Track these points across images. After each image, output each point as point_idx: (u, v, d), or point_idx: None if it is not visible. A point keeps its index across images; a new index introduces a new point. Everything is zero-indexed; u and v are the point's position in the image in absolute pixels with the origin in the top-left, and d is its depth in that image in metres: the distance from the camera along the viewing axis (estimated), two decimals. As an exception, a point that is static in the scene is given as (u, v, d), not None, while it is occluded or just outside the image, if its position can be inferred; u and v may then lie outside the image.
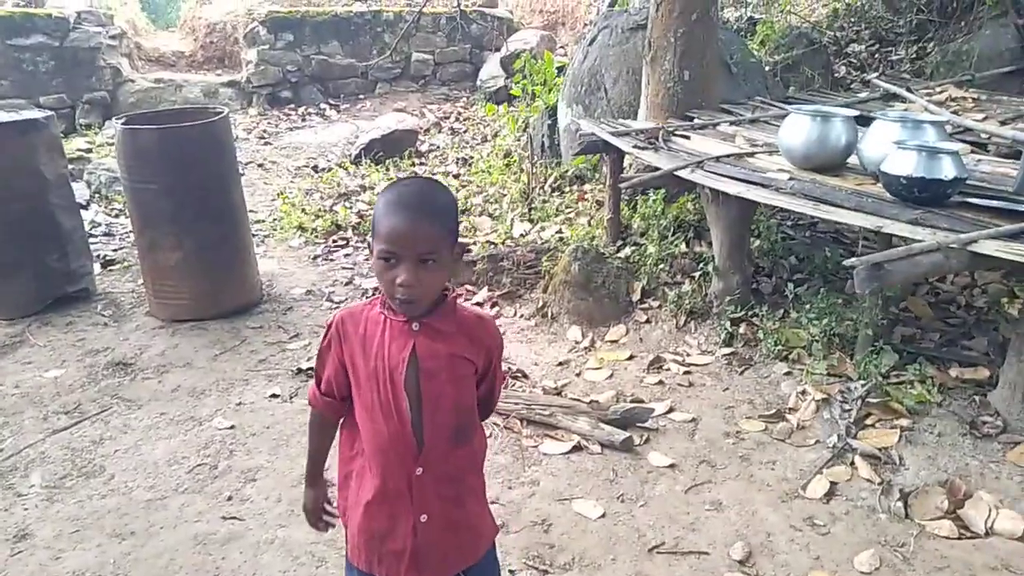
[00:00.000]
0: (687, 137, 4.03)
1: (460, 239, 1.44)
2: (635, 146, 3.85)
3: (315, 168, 7.05)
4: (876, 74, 6.63)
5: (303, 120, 8.58)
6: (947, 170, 2.67)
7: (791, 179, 3.16)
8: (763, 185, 3.20)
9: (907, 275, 2.42)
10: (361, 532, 1.52)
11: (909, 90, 4.88)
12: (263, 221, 5.66)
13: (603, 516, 2.57)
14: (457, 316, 1.44)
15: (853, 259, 2.39)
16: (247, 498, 2.75)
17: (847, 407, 3.00)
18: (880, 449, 2.78)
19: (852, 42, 7.44)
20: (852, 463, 2.75)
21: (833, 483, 2.66)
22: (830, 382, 3.15)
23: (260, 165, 7.07)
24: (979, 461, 2.69)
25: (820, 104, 4.66)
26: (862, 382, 3.08)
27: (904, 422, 2.89)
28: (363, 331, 1.43)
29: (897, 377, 3.10)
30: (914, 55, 6.79)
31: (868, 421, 2.94)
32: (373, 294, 4.45)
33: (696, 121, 4.36)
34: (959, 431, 2.83)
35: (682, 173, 3.47)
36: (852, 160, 3.29)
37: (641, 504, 2.63)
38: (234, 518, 2.63)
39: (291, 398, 3.40)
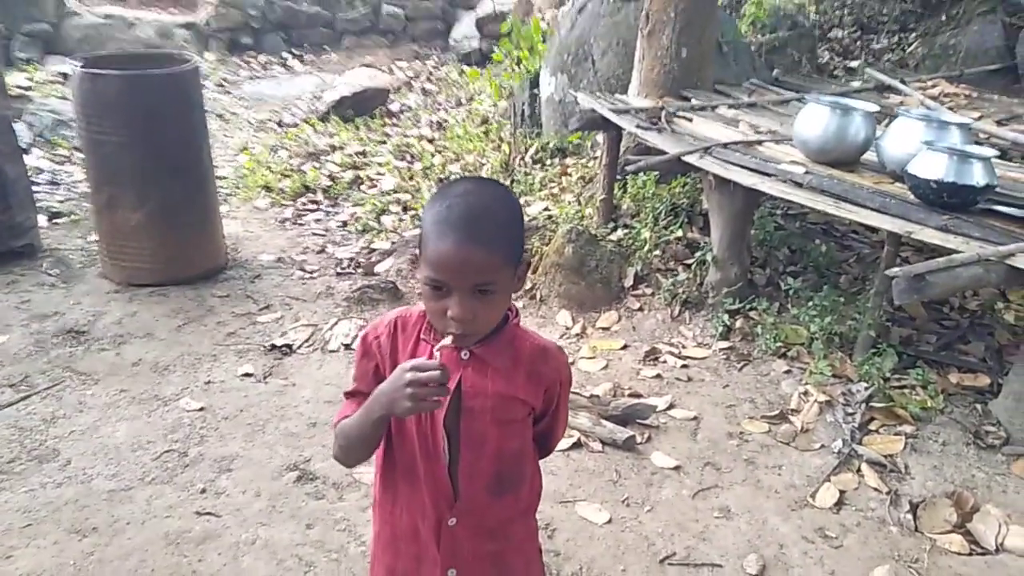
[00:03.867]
0: (689, 119, 3.87)
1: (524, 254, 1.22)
2: (638, 126, 3.67)
3: (280, 123, 6.65)
4: (859, 62, 6.59)
5: (265, 69, 8.10)
6: (978, 176, 2.58)
7: (807, 173, 3.03)
8: (776, 177, 3.06)
9: (947, 287, 2.33)
10: (380, 566, 1.34)
11: (903, 82, 4.82)
12: (225, 178, 5.28)
13: (609, 522, 2.44)
14: (515, 347, 1.24)
15: (894, 269, 2.28)
16: (222, 491, 2.52)
17: (850, 411, 2.94)
18: (885, 456, 2.73)
19: (835, 27, 7.37)
20: (859, 470, 2.68)
21: (841, 491, 2.59)
22: (832, 383, 3.08)
23: (219, 116, 6.62)
24: (985, 473, 2.66)
25: (813, 91, 4.56)
26: (864, 385, 3.01)
27: (908, 428, 2.84)
28: (412, 349, 1.23)
29: (899, 381, 3.05)
30: (897, 45, 6.77)
31: (872, 426, 2.88)
32: (348, 265, 4.20)
33: (694, 102, 4.20)
34: (963, 440, 2.79)
35: (691, 159, 3.31)
36: (866, 156, 3.19)
37: (648, 509, 2.51)
38: (209, 514, 2.41)
39: (265, 378, 3.16)
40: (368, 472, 2.59)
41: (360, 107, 6.64)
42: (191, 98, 3.70)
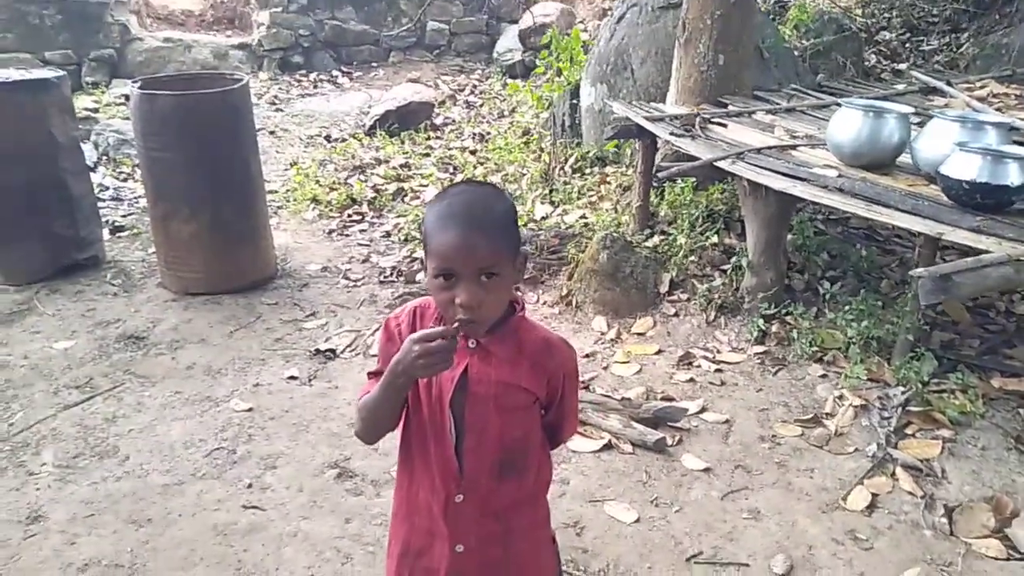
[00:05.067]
0: (724, 125, 3.89)
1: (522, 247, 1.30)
2: (672, 133, 3.71)
3: (328, 138, 6.88)
4: (907, 64, 6.47)
5: (315, 87, 8.38)
6: (1013, 176, 2.55)
7: (840, 176, 3.03)
8: (809, 181, 3.07)
9: (974, 288, 2.32)
10: (396, 541, 1.42)
11: (949, 83, 4.73)
12: (276, 191, 5.51)
13: (637, 521, 2.48)
14: (520, 338, 1.31)
15: (919, 269, 2.28)
16: (267, 486, 2.66)
17: (886, 415, 2.91)
18: (922, 460, 2.70)
19: (883, 29, 7.25)
20: (893, 474, 2.66)
21: (874, 495, 2.57)
22: (868, 387, 3.05)
23: (271, 132, 6.89)
24: (1025, 478, 2.61)
25: (855, 95, 4.52)
26: (902, 389, 2.99)
27: (946, 433, 2.81)
28: None
29: (938, 385, 3.01)
30: (947, 46, 6.62)
31: (908, 430, 2.85)
32: (390, 274, 4.34)
33: (731, 108, 4.21)
34: (1004, 445, 2.75)
35: (722, 164, 3.34)
36: (902, 159, 3.16)
37: (676, 509, 2.54)
38: (255, 508, 2.55)
39: (309, 381, 3.30)
40: (405, 470, 2.70)
41: (405, 121, 6.82)
42: (241, 115, 3.89)
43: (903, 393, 2.96)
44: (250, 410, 3.08)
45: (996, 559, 2.32)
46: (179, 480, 2.67)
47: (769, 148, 3.43)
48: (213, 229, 3.88)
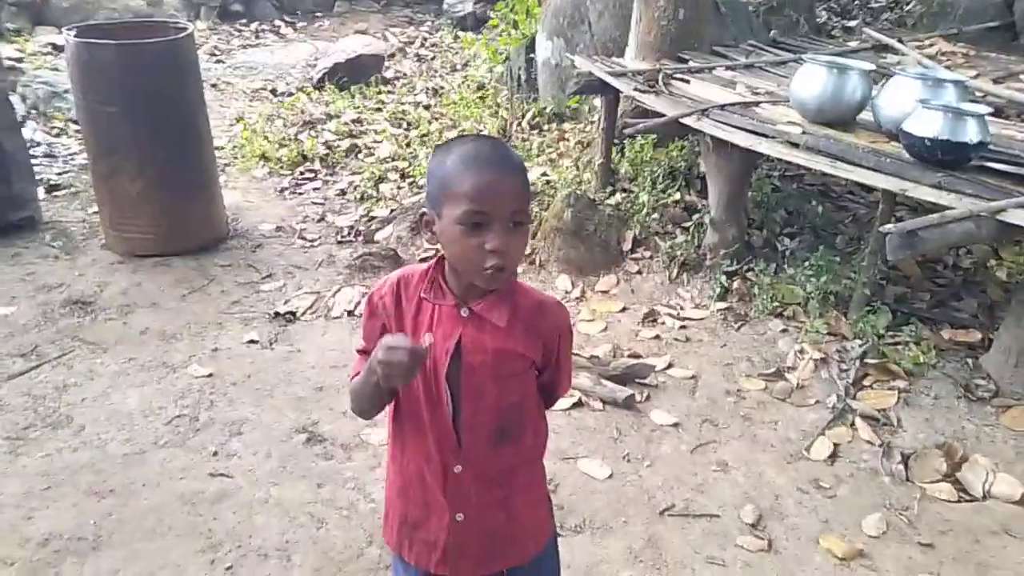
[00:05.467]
0: (686, 81, 3.87)
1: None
2: (636, 89, 3.67)
3: (274, 91, 6.62)
4: (856, 21, 6.55)
5: (257, 37, 8.02)
6: (972, 133, 2.60)
7: (804, 133, 3.06)
8: (773, 138, 3.09)
9: (939, 243, 2.38)
10: (394, 512, 1.40)
11: (900, 41, 4.80)
12: (222, 148, 5.28)
13: (610, 477, 2.52)
14: (514, 302, 1.27)
15: (888, 226, 2.33)
16: (234, 453, 2.59)
17: (845, 367, 3.01)
18: (879, 410, 2.80)
19: (833, -15, 7.30)
20: (852, 424, 2.76)
21: (835, 444, 2.67)
22: (827, 341, 3.14)
23: (213, 85, 6.58)
24: (974, 424, 2.73)
25: (810, 51, 4.55)
26: (859, 342, 3.08)
27: (901, 384, 2.91)
28: (415, 308, 1.27)
29: (892, 338, 3.11)
30: (895, 3, 6.72)
31: (866, 382, 2.95)
32: (348, 233, 4.23)
33: (691, 64, 4.19)
34: (954, 394, 2.86)
35: (688, 121, 3.33)
36: (863, 116, 3.20)
37: (648, 464, 2.58)
38: (222, 475, 2.49)
39: (271, 344, 3.22)
40: (375, 433, 2.68)
41: (355, 75, 6.59)
42: (188, 67, 3.69)
43: (860, 346, 3.05)
44: (210, 376, 2.98)
45: (948, 502, 2.44)
46: (140, 449, 2.58)
47: (733, 105, 3.43)
48: (161, 187, 3.71)
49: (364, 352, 1.32)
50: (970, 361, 3.00)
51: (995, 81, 4.13)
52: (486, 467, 1.30)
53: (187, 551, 2.19)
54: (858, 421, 2.76)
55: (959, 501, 2.45)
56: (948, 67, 4.42)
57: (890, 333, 3.12)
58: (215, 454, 2.58)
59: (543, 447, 1.41)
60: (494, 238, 1.14)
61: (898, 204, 3.57)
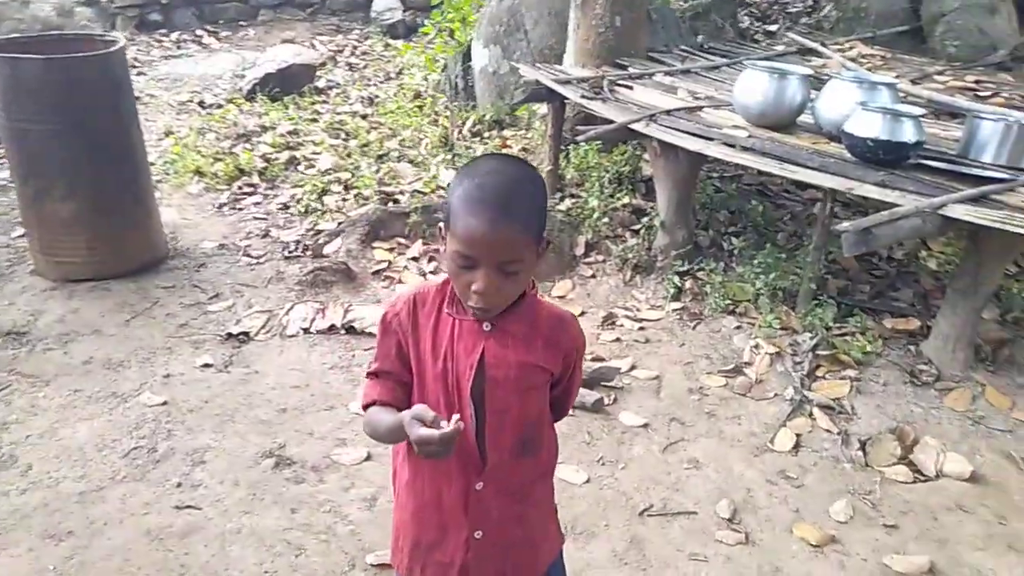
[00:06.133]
0: (629, 87, 3.96)
1: (544, 235, 1.24)
2: (583, 96, 3.73)
3: (202, 104, 6.39)
4: (777, 26, 6.83)
5: (179, 48, 7.74)
6: (910, 133, 2.76)
7: (750, 136, 3.17)
8: (722, 142, 3.18)
9: (891, 239, 2.51)
10: (406, 536, 1.38)
11: (823, 45, 5.04)
12: (153, 164, 5.05)
13: (587, 481, 2.54)
14: (535, 317, 1.28)
15: (844, 224, 2.44)
16: (199, 483, 2.49)
17: (798, 360, 3.12)
18: (834, 400, 2.93)
19: (752, -9, 7.59)
20: (811, 415, 2.87)
21: (797, 435, 2.77)
22: (779, 335, 3.25)
23: (136, 98, 6.28)
24: (921, 408, 2.89)
25: (740, 56, 4.73)
26: (809, 335, 3.21)
27: (852, 373, 3.05)
28: (435, 323, 1.26)
29: (839, 329, 3.25)
30: (811, 8, 7.03)
31: (819, 373, 3.07)
32: (295, 248, 4.13)
33: (632, 70, 4.28)
34: (901, 380, 3.02)
35: (637, 126, 3.40)
36: (802, 118, 3.35)
37: (622, 466, 2.62)
38: (189, 507, 2.38)
39: (226, 367, 3.11)
40: (345, 453, 2.62)
41: (287, 85, 6.44)
42: (120, 81, 3.53)
43: (811, 339, 3.18)
44: (165, 403, 2.86)
45: (906, 483, 2.57)
46: (97, 486, 2.45)
47: (678, 110, 3.53)
48: (95, 208, 3.53)
49: (378, 375, 1.30)
50: (912, 348, 3.17)
51: (912, 82, 4.39)
52: (508, 482, 1.30)
53: (160, 590, 2.09)
54: (816, 411, 2.87)
55: (915, 482, 2.58)
56: (869, 69, 4.67)
57: (837, 325, 3.26)
58: (179, 486, 2.47)
59: (555, 460, 1.42)
60: (480, 281, 1.15)
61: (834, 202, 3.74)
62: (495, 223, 1.12)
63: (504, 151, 5.04)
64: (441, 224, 1.22)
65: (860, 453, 2.68)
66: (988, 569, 2.22)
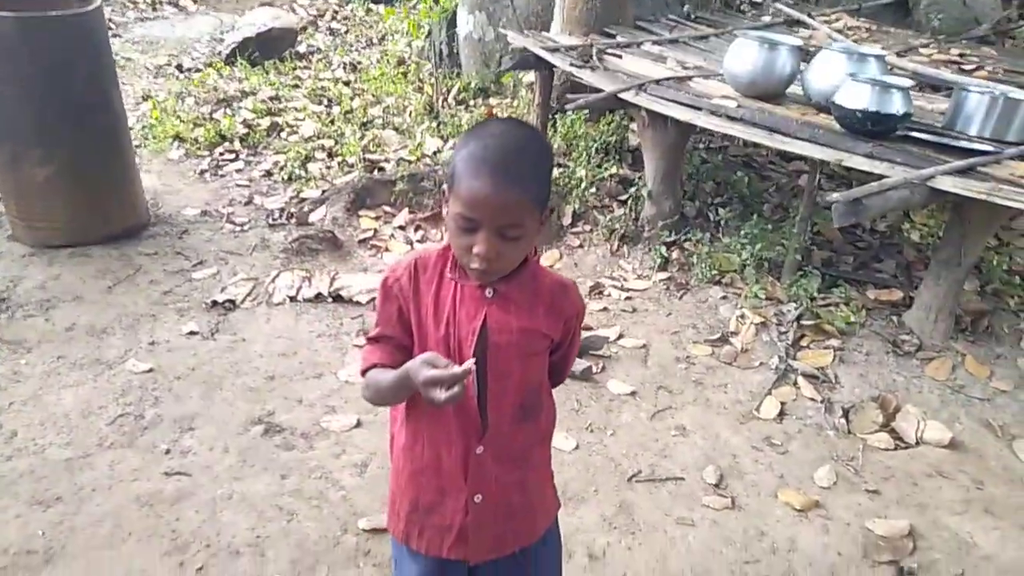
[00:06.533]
0: (618, 56, 3.92)
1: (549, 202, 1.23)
2: (571, 64, 3.69)
3: (180, 67, 6.25)
4: (763, -3, 6.79)
5: (154, 10, 7.54)
6: (898, 105, 2.77)
7: (739, 107, 3.16)
8: (712, 112, 3.18)
9: (880, 209, 2.53)
10: (403, 500, 1.38)
11: (810, 16, 5.02)
12: (131, 129, 4.93)
13: (576, 448, 2.57)
14: (537, 284, 1.28)
15: (835, 194, 2.45)
16: (188, 450, 2.48)
17: (783, 330, 3.16)
18: (818, 369, 2.97)
19: (738, -39, 7.52)
20: (795, 383, 2.92)
21: (782, 403, 2.81)
22: (765, 305, 3.29)
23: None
24: (903, 377, 2.95)
25: (728, 26, 4.71)
26: (794, 305, 3.25)
27: (835, 342, 3.09)
28: (436, 288, 1.25)
29: (823, 299, 3.29)
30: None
31: (803, 342, 3.12)
32: (279, 216, 4.08)
33: (619, 39, 4.25)
34: (883, 350, 3.07)
35: (626, 96, 3.38)
36: (791, 89, 3.34)
37: (610, 433, 2.65)
38: (179, 474, 2.37)
39: (212, 335, 3.08)
40: (335, 420, 2.62)
41: (267, 49, 6.31)
42: (98, 42, 3.44)
43: (796, 309, 3.22)
44: (151, 371, 2.83)
45: (887, 450, 2.63)
46: (84, 452, 2.43)
47: (667, 80, 3.51)
48: (73, 172, 3.45)
49: (378, 340, 1.29)
50: (894, 319, 3.22)
51: (898, 54, 4.40)
52: (508, 447, 1.30)
53: (151, 555, 2.09)
54: (800, 380, 2.92)
55: (896, 449, 2.64)
56: (855, 41, 4.67)
57: (821, 295, 3.30)
58: (167, 452, 2.46)
59: (554, 426, 1.43)
60: (480, 244, 1.13)
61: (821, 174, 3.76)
62: (498, 186, 1.11)
63: (490, 118, 5.00)
64: (444, 186, 1.21)
65: (843, 421, 2.74)
66: (966, 532, 2.29)
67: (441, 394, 1.10)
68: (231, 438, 2.54)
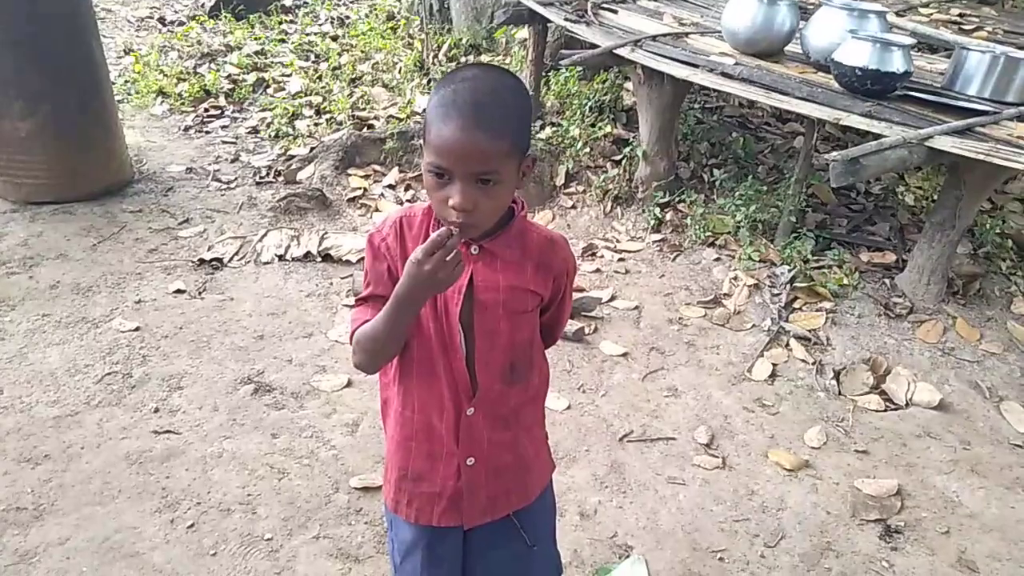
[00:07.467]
0: (614, 11, 3.84)
1: (530, 150, 1.17)
2: (566, 19, 3.61)
3: (162, 20, 6.09)
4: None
5: (135, -41, 7.29)
6: (898, 63, 2.72)
7: (736, 64, 3.10)
8: (709, 69, 3.12)
9: (878, 169, 2.50)
10: (393, 467, 1.36)
11: (810, -27, 4.92)
12: (113, 83, 4.82)
13: (568, 408, 2.57)
14: (524, 239, 1.23)
15: (833, 154, 2.41)
16: (177, 409, 2.46)
17: (776, 292, 3.15)
18: (810, 331, 2.97)
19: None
20: (787, 345, 2.92)
21: (774, 365, 2.82)
22: (758, 267, 3.27)
23: (92, 13, 5.96)
24: (894, 339, 2.95)
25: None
26: (787, 267, 3.23)
27: (827, 305, 3.09)
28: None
29: (817, 262, 3.28)
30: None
31: (796, 304, 3.11)
32: (266, 174, 4.02)
33: (615, -7, 4.15)
34: (875, 312, 3.07)
35: (622, 52, 3.30)
36: (789, 47, 3.28)
37: (602, 394, 2.65)
38: (168, 432, 2.36)
39: (199, 293, 3.04)
40: (325, 379, 2.60)
41: (252, 2, 6.16)
42: (77, -10, 3.32)
43: (789, 271, 3.20)
44: (137, 329, 2.79)
45: (877, 411, 2.64)
46: (72, 410, 2.40)
47: (664, 36, 3.44)
48: (56, 127, 3.37)
49: (368, 300, 1.25)
50: (887, 281, 3.22)
51: (898, 14, 4.33)
52: (498, 407, 1.28)
53: (142, 512, 2.08)
54: (792, 342, 2.92)
55: (886, 410, 2.65)
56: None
57: (815, 257, 3.29)
58: (156, 411, 2.44)
59: (546, 386, 1.41)
60: (455, 194, 1.07)
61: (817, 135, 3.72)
62: (466, 130, 1.05)
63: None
64: (420, 140, 1.16)
65: (834, 382, 2.74)
66: (952, 491, 2.32)
67: (439, 263, 1.05)
68: (220, 397, 2.52)
